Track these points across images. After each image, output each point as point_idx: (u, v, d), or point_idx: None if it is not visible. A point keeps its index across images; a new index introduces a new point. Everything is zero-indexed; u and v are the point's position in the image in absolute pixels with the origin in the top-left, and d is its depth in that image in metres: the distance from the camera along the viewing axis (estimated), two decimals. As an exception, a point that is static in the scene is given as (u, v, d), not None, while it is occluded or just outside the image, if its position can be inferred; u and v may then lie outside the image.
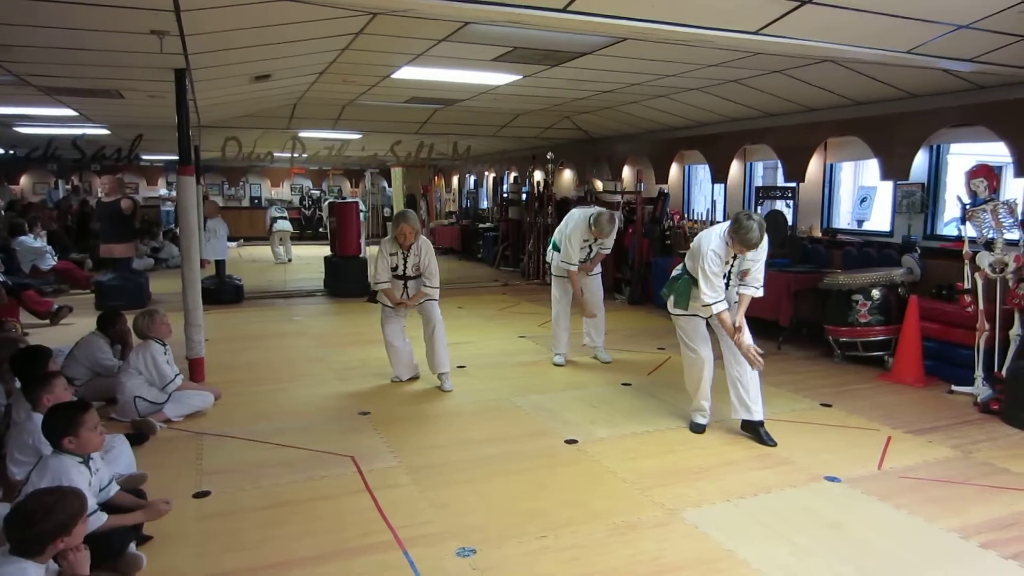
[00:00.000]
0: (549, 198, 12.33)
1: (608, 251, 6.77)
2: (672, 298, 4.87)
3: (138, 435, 4.57)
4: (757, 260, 4.59)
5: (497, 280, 12.78)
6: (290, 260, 16.10)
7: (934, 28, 4.40)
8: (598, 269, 6.77)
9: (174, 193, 18.61)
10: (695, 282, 4.64)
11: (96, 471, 3.09)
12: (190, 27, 4.54)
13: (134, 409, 4.87)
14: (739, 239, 4.39)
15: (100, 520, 2.93)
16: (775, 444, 4.56)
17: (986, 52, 4.87)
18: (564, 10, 3.89)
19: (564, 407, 5.35)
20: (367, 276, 11.18)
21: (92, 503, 2.86)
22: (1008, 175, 6.29)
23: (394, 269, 5.79)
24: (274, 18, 4.59)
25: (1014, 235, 5.41)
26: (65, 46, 5.11)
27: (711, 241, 4.54)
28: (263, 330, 8.44)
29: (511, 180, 15.30)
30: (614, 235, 6.67)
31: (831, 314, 6.63)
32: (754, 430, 4.67)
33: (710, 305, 4.52)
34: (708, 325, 4.83)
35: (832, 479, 4.05)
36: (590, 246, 6.58)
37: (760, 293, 4.67)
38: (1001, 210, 5.34)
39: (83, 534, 2.48)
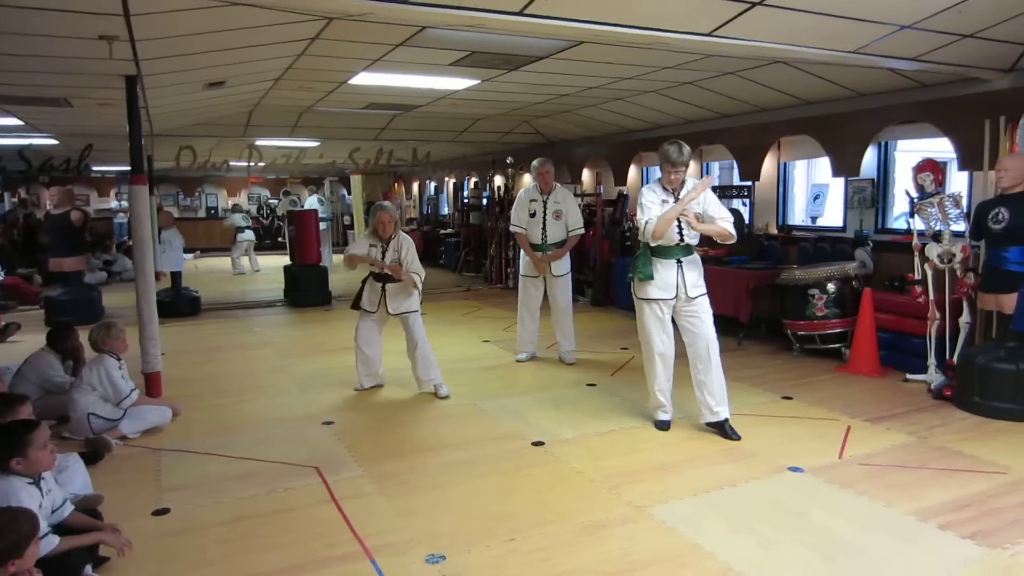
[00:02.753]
0: (510, 203, 12.33)
1: (580, 231, 6.66)
2: (636, 277, 4.77)
3: (92, 453, 4.42)
4: (707, 202, 4.68)
5: (460, 285, 12.76)
6: (258, 271, 15.84)
7: (879, 28, 4.53)
8: (566, 268, 6.65)
9: (126, 204, 18.19)
10: (653, 251, 4.71)
11: (48, 492, 2.98)
12: (140, 32, 4.45)
13: (88, 426, 4.73)
14: (663, 158, 4.60)
15: (52, 543, 2.81)
16: (739, 438, 4.63)
17: (928, 51, 5.02)
18: (521, 13, 3.92)
19: (529, 409, 5.35)
20: (328, 285, 11.12)
21: (44, 526, 2.76)
22: (953, 169, 6.49)
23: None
24: (227, 23, 4.52)
25: (960, 227, 5.57)
26: (9, 52, 4.96)
27: (647, 185, 4.79)
28: (222, 342, 8.29)
29: (471, 185, 15.30)
30: (572, 200, 6.65)
31: (789, 309, 6.76)
32: (719, 427, 4.73)
33: (647, 224, 4.62)
34: (673, 321, 4.83)
35: (795, 469, 4.12)
36: (544, 208, 6.52)
37: (730, 227, 4.67)
38: (947, 203, 5.50)
39: (35, 557, 2.40)
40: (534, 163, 6.63)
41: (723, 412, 4.71)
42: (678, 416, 4.96)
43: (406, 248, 5.61)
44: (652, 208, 4.66)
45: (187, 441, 4.82)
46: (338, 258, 17.94)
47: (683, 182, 4.70)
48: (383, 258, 5.59)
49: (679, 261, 4.70)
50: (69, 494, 3.27)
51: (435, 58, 6.21)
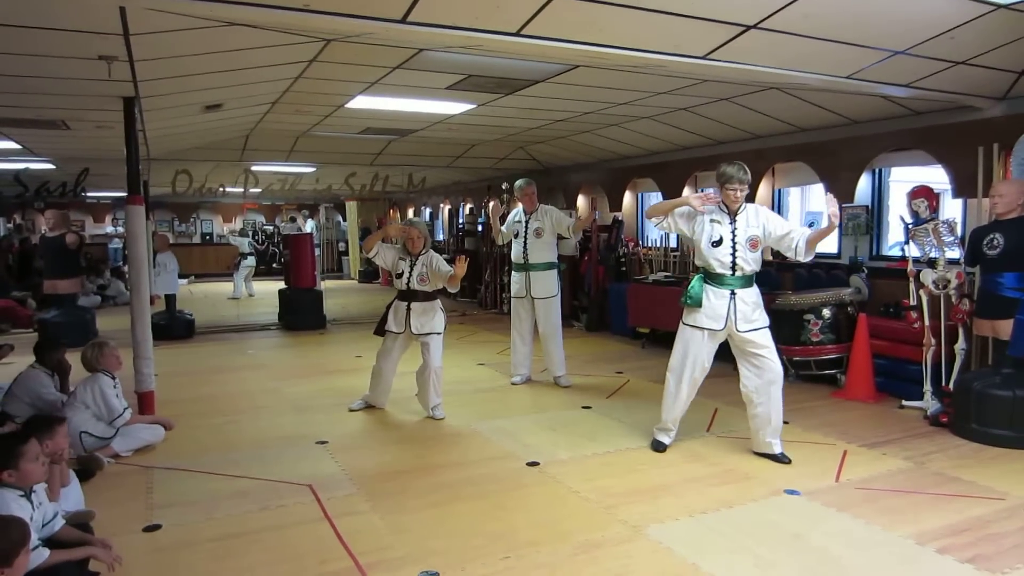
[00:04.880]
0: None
1: (565, 232, 6.73)
2: (688, 300, 4.62)
3: (84, 471, 4.38)
4: (770, 223, 4.53)
5: (455, 310, 12.73)
6: (252, 295, 15.82)
7: (872, 54, 4.59)
8: (549, 291, 6.65)
9: (122, 230, 18.14)
10: (707, 277, 4.61)
11: (39, 505, 2.94)
12: (139, 52, 4.47)
13: (80, 444, 4.67)
14: (723, 177, 4.49)
15: (42, 556, 2.77)
16: (789, 460, 4.59)
17: (921, 78, 5.10)
18: (517, 34, 3.96)
19: (525, 431, 5.32)
20: (323, 309, 11.12)
21: (34, 538, 2.72)
22: (947, 198, 6.54)
23: (399, 275, 5.67)
24: (226, 44, 4.56)
25: (955, 253, 5.60)
26: (8, 72, 4.98)
27: None
28: (215, 364, 8.24)
29: (467, 211, 15.35)
30: (554, 211, 6.69)
31: (784, 334, 6.73)
32: (771, 456, 4.66)
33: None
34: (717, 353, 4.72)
35: (792, 492, 4.09)
36: (526, 228, 6.63)
37: (801, 231, 4.50)
38: (942, 228, 5.54)
39: (24, 567, 2.36)
40: (518, 183, 6.73)
41: (777, 446, 4.65)
42: (676, 439, 4.93)
43: (435, 262, 5.64)
44: (686, 214, 4.67)
45: (180, 459, 4.77)
46: (330, 283, 17.91)
47: (743, 202, 4.57)
48: (411, 273, 5.61)
49: (733, 292, 4.54)
50: (62, 510, 3.23)
51: (432, 81, 6.27)
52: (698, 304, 4.58)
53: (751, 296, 4.58)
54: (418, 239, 5.65)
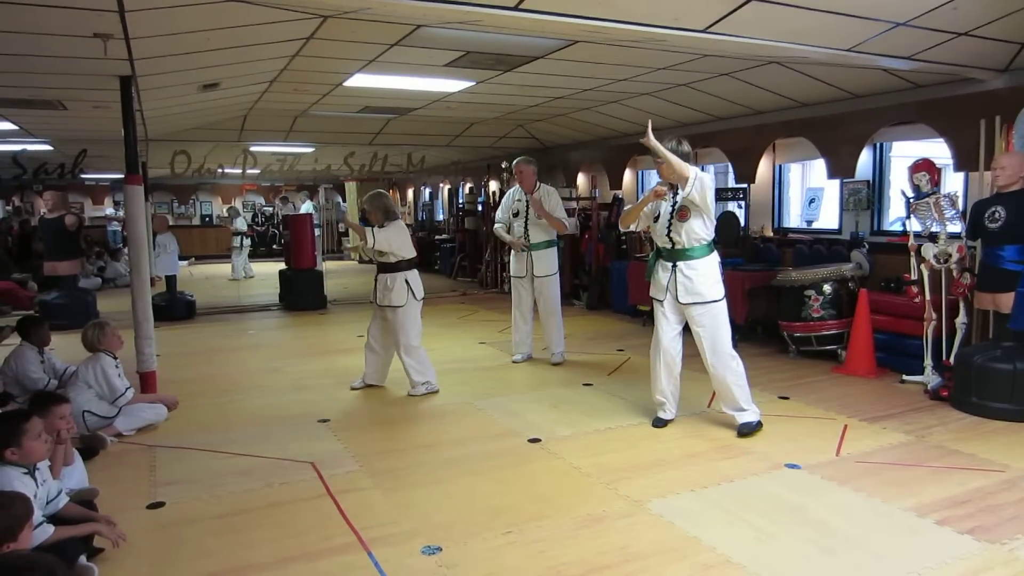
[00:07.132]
0: (505, 207, 12.36)
1: (562, 214, 6.68)
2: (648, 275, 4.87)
3: (87, 450, 4.41)
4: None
5: (455, 290, 12.76)
6: (251, 276, 15.80)
7: (873, 25, 4.55)
8: (548, 270, 6.64)
9: (121, 213, 18.06)
10: (659, 252, 4.77)
11: (43, 482, 2.96)
12: (135, 30, 4.43)
13: (83, 423, 4.69)
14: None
15: (46, 533, 2.80)
16: (746, 435, 4.61)
17: (923, 49, 5.04)
18: (516, 8, 3.92)
19: (526, 408, 5.34)
20: (324, 289, 11.13)
21: (38, 515, 2.74)
22: (948, 171, 6.51)
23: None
24: (222, 21, 4.51)
25: (956, 227, 5.58)
26: (2, 51, 4.94)
27: None
28: (217, 344, 8.26)
29: (466, 191, 15.31)
30: (554, 194, 6.64)
31: (785, 310, 6.75)
32: (744, 428, 4.68)
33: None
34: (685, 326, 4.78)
35: (792, 466, 4.11)
36: (526, 208, 6.60)
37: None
38: (943, 202, 5.51)
39: (29, 542, 2.37)
40: (514, 163, 6.72)
41: (740, 417, 4.68)
42: (677, 415, 4.94)
43: (394, 232, 5.72)
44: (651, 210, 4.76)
45: (182, 438, 4.80)
46: (331, 264, 17.89)
47: (686, 178, 4.38)
48: (374, 244, 5.62)
49: (675, 265, 4.64)
50: (66, 487, 3.25)
51: (430, 58, 6.21)
52: (649, 276, 4.82)
53: (694, 269, 4.59)
54: (371, 213, 5.76)
